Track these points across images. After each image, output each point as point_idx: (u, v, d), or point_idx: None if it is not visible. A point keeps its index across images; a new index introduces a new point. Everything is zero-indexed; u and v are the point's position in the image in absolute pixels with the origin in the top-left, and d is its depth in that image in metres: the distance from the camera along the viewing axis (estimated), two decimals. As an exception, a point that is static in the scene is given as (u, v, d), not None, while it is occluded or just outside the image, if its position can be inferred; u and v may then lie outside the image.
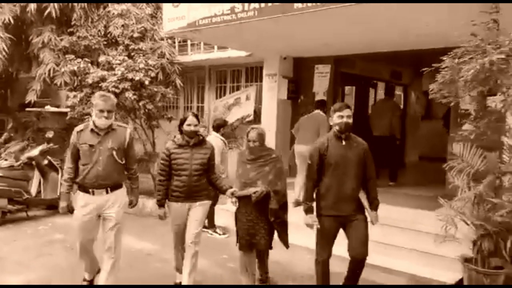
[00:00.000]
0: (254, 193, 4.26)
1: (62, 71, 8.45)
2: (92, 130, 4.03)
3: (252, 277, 4.59)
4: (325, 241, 4.07)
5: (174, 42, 10.23)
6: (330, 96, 8.61)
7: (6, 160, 7.59)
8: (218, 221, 6.87)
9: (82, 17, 8.92)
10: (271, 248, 4.60)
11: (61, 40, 8.83)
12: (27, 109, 10.66)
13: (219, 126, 6.75)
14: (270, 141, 8.59)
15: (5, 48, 8.46)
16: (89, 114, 8.19)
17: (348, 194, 3.97)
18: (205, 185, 4.48)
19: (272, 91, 8.93)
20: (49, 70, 8.60)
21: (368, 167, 4.07)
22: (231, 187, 4.53)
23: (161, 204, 4.48)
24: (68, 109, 8.79)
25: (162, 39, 9.49)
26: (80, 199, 4.09)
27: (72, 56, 8.36)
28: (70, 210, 4.20)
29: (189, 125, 4.35)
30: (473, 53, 3.76)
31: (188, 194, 4.34)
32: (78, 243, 4.19)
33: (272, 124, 8.78)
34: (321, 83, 8.72)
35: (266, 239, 4.43)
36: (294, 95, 9.01)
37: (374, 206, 4.11)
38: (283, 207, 4.48)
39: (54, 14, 8.57)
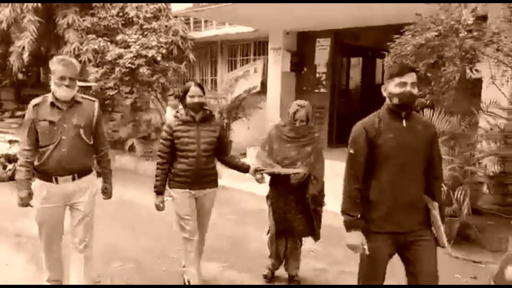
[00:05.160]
0: (294, 174, 3.69)
1: (85, 49, 9.36)
2: (52, 103, 3.24)
3: (279, 262, 4.12)
4: (373, 269, 2.81)
5: (188, 20, 10.96)
6: (330, 67, 9.23)
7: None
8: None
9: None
10: (309, 235, 3.97)
11: (84, 21, 9.73)
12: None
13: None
14: (275, 112, 9.38)
15: (35, 30, 9.41)
16: (110, 88, 9.18)
17: (412, 199, 2.69)
18: (214, 169, 3.84)
19: (277, 64, 9.62)
20: (74, 49, 9.52)
21: (434, 160, 2.78)
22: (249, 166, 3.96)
23: (159, 192, 3.77)
24: (94, 83, 9.75)
25: (176, 17, 10.23)
26: (40, 189, 3.32)
27: (94, 36, 9.28)
28: (30, 201, 3.35)
29: (192, 96, 3.63)
30: (417, 31, 4.37)
31: (195, 179, 3.68)
32: (42, 241, 3.46)
33: (277, 95, 9.54)
34: (321, 56, 9.33)
35: (304, 226, 3.87)
36: (297, 68, 9.65)
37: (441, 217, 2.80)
38: (321, 192, 3.87)
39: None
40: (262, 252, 4.55)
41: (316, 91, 9.47)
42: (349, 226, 2.71)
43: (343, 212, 2.75)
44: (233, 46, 11.25)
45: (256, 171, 3.81)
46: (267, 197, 3.99)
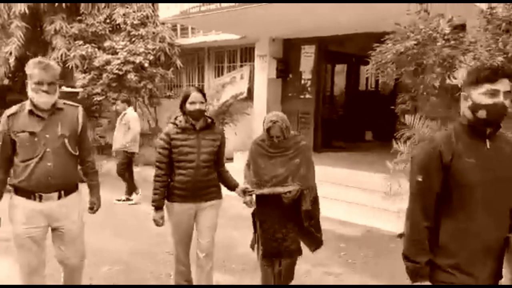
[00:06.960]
0: (285, 193, 3.42)
1: (73, 55, 9.42)
2: (30, 112, 2.91)
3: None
4: None
5: (175, 27, 11.08)
6: (315, 74, 9.41)
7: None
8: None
9: (89, 5, 9.85)
10: (301, 254, 3.71)
11: (71, 27, 9.80)
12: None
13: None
14: (262, 118, 9.41)
15: (22, 36, 9.45)
16: (97, 94, 9.24)
17: (492, 245, 2.09)
18: (215, 180, 3.60)
19: (263, 71, 9.78)
20: (61, 55, 9.58)
21: None
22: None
23: (158, 206, 3.49)
24: (81, 89, 9.82)
25: (163, 23, 10.34)
26: (20, 207, 2.95)
27: (81, 42, 9.36)
28: None
29: (192, 103, 3.38)
30: (397, 40, 4.54)
31: (194, 192, 3.45)
32: (22, 271, 3.04)
33: (263, 101, 9.69)
34: (306, 63, 9.51)
35: (297, 244, 3.63)
36: (283, 74, 9.82)
37: None
38: (314, 202, 3.59)
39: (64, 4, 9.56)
40: (249, 257, 4.66)
41: (302, 97, 9.63)
42: (415, 275, 2.11)
43: (406, 257, 2.14)
44: (220, 52, 11.39)
45: (245, 192, 3.55)
46: (253, 214, 3.70)
